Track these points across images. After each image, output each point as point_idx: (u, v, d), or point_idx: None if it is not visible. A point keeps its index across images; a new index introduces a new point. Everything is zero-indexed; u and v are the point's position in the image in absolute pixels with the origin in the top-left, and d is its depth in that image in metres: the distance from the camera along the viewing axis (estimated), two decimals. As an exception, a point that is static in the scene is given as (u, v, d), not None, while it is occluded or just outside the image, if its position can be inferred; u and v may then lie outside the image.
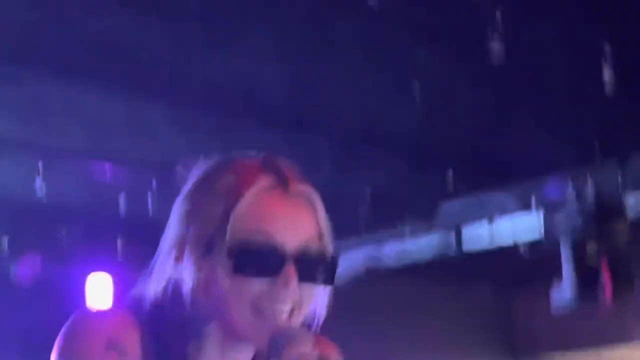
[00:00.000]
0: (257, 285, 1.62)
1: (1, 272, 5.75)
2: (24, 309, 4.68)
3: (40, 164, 4.89)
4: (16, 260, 5.75)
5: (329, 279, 1.69)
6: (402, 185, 5.76)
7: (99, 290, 6.03)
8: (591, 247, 5.35)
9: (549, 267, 5.59)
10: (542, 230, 5.65)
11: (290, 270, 1.63)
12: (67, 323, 1.64)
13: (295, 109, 4.47)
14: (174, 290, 1.66)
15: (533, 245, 5.88)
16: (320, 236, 1.70)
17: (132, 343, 1.63)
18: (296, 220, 1.68)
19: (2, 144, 4.68)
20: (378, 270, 7.25)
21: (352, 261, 6.52)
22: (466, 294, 8.33)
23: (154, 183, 5.29)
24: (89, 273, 6.06)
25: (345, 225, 6.28)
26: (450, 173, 5.49)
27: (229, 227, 1.62)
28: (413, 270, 7.84)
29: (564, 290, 5.52)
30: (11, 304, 5.45)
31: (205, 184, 1.70)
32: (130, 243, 5.94)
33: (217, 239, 1.62)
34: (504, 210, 5.80)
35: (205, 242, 1.64)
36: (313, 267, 1.67)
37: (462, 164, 5.40)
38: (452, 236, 6.19)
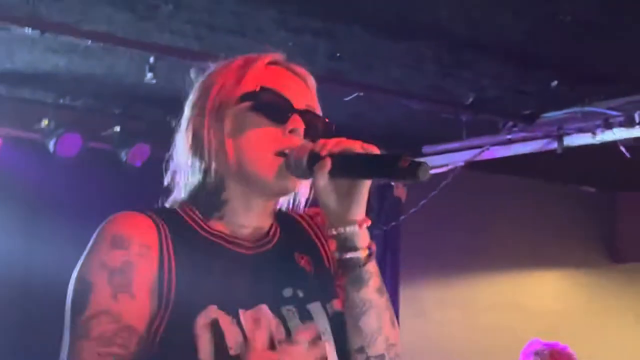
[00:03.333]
0: (270, 132, 1.88)
1: (114, 158, 6.00)
2: (134, 189, 4.88)
3: (151, 59, 5.06)
4: (129, 147, 5.99)
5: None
6: (506, 93, 5.76)
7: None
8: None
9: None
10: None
11: (297, 118, 1.89)
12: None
13: (402, 14, 4.49)
14: (194, 158, 1.92)
15: (637, 149, 5.83)
16: (318, 109, 1.97)
17: (149, 239, 1.84)
18: (299, 87, 1.94)
19: (117, 40, 4.86)
20: (478, 174, 7.31)
21: (453, 164, 6.58)
22: (568, 199, 8.31)
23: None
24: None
25: (448, 130, 6.33)
26: (554, 83, 5.47)
27: (242, 84, 1.89)
28: (513, 175, 7.87)
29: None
30: (123, 185, 5.70)
31: (217, 69, 1.96)
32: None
33: (231, 97, 1.89)
34: (607, 124, 5.76)
35: (219, 104, 1.89)
36: (315, 124, 1.93)
37: (567, 75, 5.37)
38: (554, 143, 6.18)
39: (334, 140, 1.84)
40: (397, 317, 7.40)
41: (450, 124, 6.21)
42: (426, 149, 6.78)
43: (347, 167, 1.81)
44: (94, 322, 1.78)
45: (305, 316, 1.91)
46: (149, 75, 5.16)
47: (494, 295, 8.01)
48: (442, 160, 6.67)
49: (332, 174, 1.81)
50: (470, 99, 5.90)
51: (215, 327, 1.80)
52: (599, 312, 8.53)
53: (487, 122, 6.26)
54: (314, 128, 1.93)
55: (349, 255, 1.89)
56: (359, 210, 1.88)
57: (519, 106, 6.08)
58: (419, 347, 7.56)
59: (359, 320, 1.94)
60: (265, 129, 1.88)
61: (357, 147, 1.83)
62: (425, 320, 7.71)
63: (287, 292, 1.92)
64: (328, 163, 1.81)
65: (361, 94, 5.67)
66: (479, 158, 6.51)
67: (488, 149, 6.42)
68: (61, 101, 5.97)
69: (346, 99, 5.68)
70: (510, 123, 6.26)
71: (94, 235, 1.85)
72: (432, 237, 7.70)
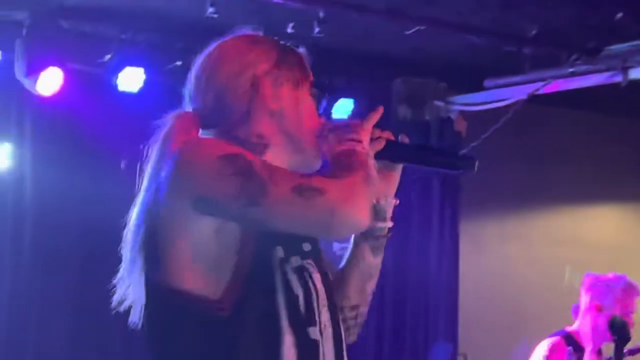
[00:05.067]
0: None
1: (177, 93, 6.06)
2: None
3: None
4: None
5: None
6: (569, 26, 5.69)
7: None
8: None
9: None
10: None
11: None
12: None
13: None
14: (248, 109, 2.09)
15: None
16: None
17: None
18: None
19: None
20: (540, 108, 7.26)
21: (515, 98, 6.53)
22: (630, 134, 8.21)
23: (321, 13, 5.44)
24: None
25: (510, 63, 6.28)
26: (619, 15, 5.39)
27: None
28: (576, 109, 7.80)
29: None
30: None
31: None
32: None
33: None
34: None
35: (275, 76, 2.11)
36: None
37: (632, 7, 5.29)
38: (618, 76, 6.11)
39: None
40: (457, 251, 7.41)
41: (512, 57, 6.16)
42: (488, 82, 6.73)
43: (409, 155, 2.18)
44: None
45: (318, 270, 2.07)
46: (211, 9, 5.19)
47: (554, 230, 7.98)
48: (503, 94, 6.62)
49: (388, 156, 2.13)
50: (534, 32, 5.84)
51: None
52: (660, 247, 8.48)
53: (550, 55, 6.20)
54: None
55: (380, 224, 2.20)
56: (395, 188, 2.22)
57: (582, 39, 6.00)
58: (478, 282, 7.59)
59: (367, 283, 2.22)
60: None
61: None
62: (484, 255, 7.72)
63: (307, 247, 2.06)
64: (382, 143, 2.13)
65: (422, 27, 5.64)
66: (541, 91, 6.45)
67: (550, 82, 6.36)
68: (124, 36, 6.02)
69: (407, 32, 5.65)
70: (574, 56, 6.19)
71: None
72: (492, 172, 7.62)
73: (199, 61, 2.22)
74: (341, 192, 1.86)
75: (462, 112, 6.89)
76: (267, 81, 2.09)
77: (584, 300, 4.66)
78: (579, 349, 4.44)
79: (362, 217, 1.89)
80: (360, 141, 2.02)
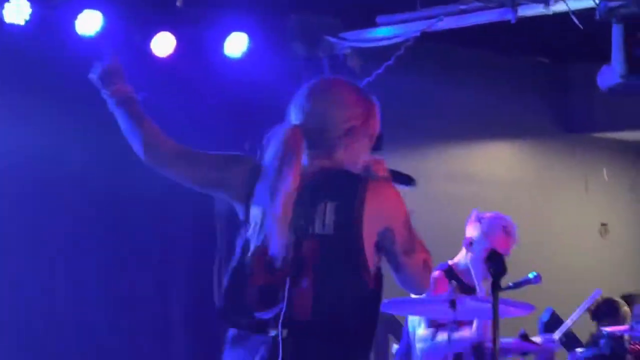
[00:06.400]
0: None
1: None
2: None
3: None
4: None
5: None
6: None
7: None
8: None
9: (606, 46, 5.57)
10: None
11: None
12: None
13: None
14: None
15: (587, 16, 5.80)
16: None
17: None
18: None
19: None
20: (433, 45, 7.31)
21: (407, 35, 6.55)
22: (522, 71, 8.33)
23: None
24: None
25: (402, 0, 6.31)
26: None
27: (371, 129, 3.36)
28: (468, 47, 7.88)
29: (613, 67, 5.50)
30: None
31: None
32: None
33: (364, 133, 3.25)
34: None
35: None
36: None
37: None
38: (508, 14, 6.17)
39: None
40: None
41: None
42: (380, 19, 6.75)
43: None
44: None
45: None
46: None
47: (447, 166, 8.08)
48: (396, 31, 6.64)
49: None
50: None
51: None
52: (551, 182, 8.66)
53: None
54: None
55: None
56: None
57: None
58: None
59: None
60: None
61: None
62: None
63: None
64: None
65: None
66: (433, 29, 6.48)
67: (442, 19, 6.39)
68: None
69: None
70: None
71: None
72: (385, 109, 7.68)
73: (310, 92, 3.11)
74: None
75: (355, 49, 6.89)
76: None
77: (466, 234, 4.78)
78: (458, 281, 4.56)
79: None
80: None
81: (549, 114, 8.70)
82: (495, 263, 3.37)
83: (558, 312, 5.69)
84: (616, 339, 5.60)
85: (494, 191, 7.97)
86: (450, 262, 4.84)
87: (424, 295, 4.25)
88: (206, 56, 6.39)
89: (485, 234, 4.63)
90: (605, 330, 6.07)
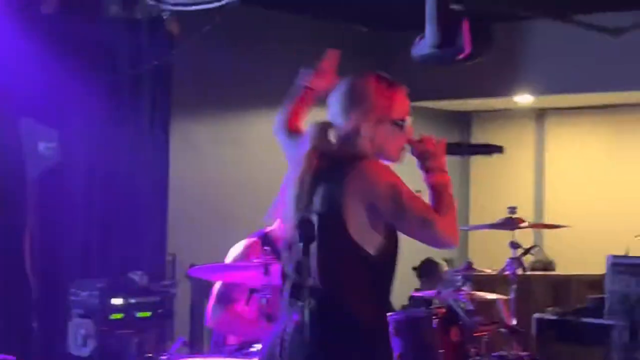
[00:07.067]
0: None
1: None
2: None
3: None
4: None
5: None
6: None
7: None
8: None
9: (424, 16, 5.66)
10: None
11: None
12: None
13: None
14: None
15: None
16: None
17: None
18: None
19: None
20: (253, 9, 7.29)
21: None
22: (340, 38, 8.40)
23: None
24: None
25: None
26: None
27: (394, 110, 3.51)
28: (287, 12, 7.90)
29: (426, 38, 5.60)
30: None
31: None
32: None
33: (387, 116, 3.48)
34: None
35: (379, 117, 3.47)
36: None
37: None
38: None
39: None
40: (167, 152, 7.37)
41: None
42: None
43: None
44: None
45: None
46: None
47: (267, 132, 8.08)
48: None
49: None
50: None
51: None
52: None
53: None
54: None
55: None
56: None
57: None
58: (191, 181, 7.63)
59: None
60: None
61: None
62: (197, 155, 7.75)
63: None
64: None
65: None
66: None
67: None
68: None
69: None
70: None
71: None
72: (205, 73, 7.66)
73: (347, 90, 3.58)
74: (446, 226, 3.27)
75: (175, 12, 6.79)
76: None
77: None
78: (273, 247, 4.58)
79: (455, 240, 3.30)
80: (445, 170, 3.41)
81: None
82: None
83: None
84: (425, 302, 5.76)
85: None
86: (266, 230, 4.86)
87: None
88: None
89: None
90: (415, 295, 6.23)
